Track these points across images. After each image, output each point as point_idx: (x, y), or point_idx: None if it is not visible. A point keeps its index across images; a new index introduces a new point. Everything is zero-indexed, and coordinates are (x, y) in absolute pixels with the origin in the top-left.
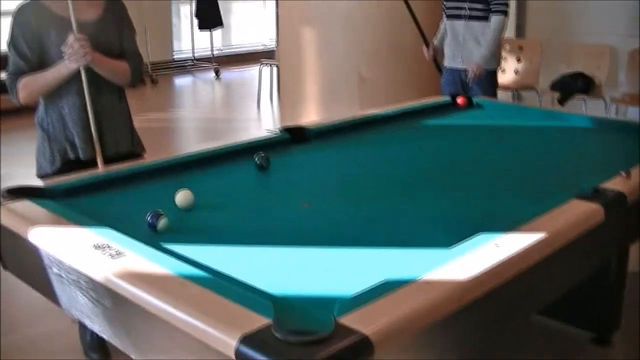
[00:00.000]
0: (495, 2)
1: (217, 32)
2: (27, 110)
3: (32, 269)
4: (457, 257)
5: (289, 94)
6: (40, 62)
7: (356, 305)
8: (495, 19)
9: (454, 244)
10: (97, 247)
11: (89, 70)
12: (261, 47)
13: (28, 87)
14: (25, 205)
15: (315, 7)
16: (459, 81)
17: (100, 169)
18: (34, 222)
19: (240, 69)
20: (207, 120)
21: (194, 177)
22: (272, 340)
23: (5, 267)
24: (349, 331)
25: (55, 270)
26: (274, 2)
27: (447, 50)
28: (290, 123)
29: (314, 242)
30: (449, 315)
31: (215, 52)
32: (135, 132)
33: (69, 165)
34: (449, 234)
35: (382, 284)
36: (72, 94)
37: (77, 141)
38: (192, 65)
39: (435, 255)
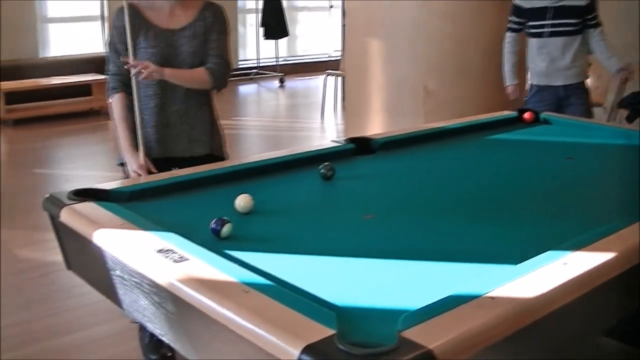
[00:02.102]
0: (590, 16)
1: (283, 41)
2: (92, 113)
3: (95, 270)
4: (524, 274)
5: (353, 104)
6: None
7: (420, 319)
8: (598, 30)
9: (521, 260)
10: (160, 251)
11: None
12: (326, 57)
13: (113, 114)
14: (90, 207)
15: (382, 20)
16: (555, 98)
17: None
18: (98, 224)
19: (305, 78)
20: (270, 128)
21: (258, 184)
22: (334, 351)
23: (69, 267)
24: (412, 345)
25: (118, 272)
26: (340, 12)
27: (537, 68)
28: (354, 134)
29: (378, 254)
30: (515, 333)
31: (280, 61)
32: (217, 135)
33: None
34: (515, 250)
35: (447, 299)
36: (149, 97)
37: (151, 141)
38: (257, 73)
39: (502, 271)
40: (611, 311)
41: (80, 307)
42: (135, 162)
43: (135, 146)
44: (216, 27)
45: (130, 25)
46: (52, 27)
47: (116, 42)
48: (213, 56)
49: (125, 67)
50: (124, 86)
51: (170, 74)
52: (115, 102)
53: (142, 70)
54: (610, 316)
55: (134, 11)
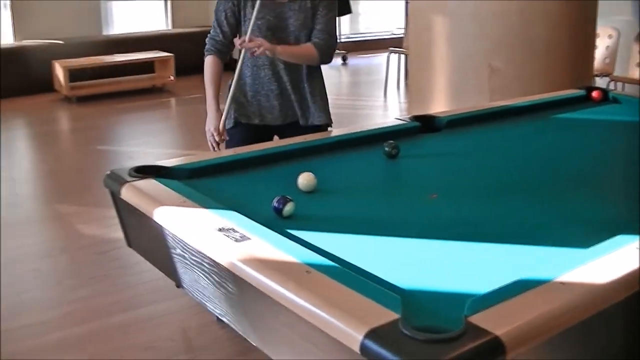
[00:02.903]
0: None
1: (345, 18)
2: (155, 90)
3: (155, 248)
4: (595, 259)
5: (416, 82)
6: (231, 33)
7: (488, 304)
8: None
9: (591, 244)
10: (221, 229)
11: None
12: (389, 35)
13: (205, 73)
14: (151, 184)
15: None
16: None
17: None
18: (159, 201)
19: (368, 56)
20: (333, 106)
21: (321, 162)
22: (399, 336)
23: (129, 245)
24: (479, 331)
25: (178, 251)
26: None
27: None
28: (418, 112)
29: (443, 235)
30: (587, 319)
31: (342, 39)
32: (322, 106)
33: (239, 126)
34: (585, 233)
35: (515, 283)
36: (260, 67)
37: (264, 108)
38: None
39: (572, 255)
40: None
41: (140, 284)
42: (213, 123)
43: (218, 108)
44: (324, 2)
45: None
46: (115, 4)
47: (220, 10)
48: (319, 31)
49: (239, 45)
50: (218, 51)
51: (281, 51)
52: (205, 64)
53: (255, 48)
54: None
55: None
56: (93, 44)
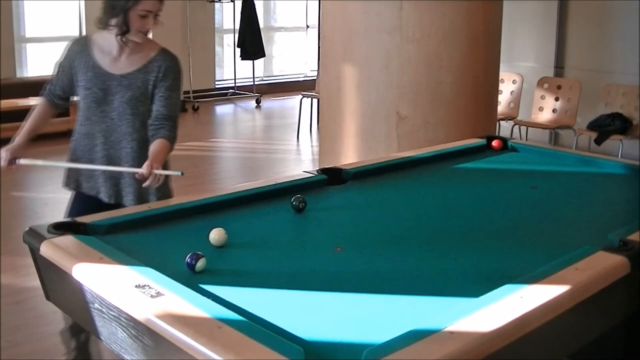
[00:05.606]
0: None
1: (259, 61)
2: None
3: (74, 302)
4: (482, 308)
5: (328, 128)
6: (63, 89)
7: (384, 353)
8: None
9: (482, 294)
10: (138, 286)
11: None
12: (302, 77)
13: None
14: (69, 241)
15: (356, 45)
16: None
17: None
18: (77, 258)
19: (281, 99)
20: (247, 150)
21: (231, 217)
22: None
23: (48, 298)
24: None
25: (97, 305)
26: (316, 33)
27: None
28: (328, 159)
29: (345, 287)
30: None
31: (256, 81)
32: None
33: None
34: (478, 283)
35: (408, 333)
36: (82, 134)
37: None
38: (234, 93)
39: (463, 305)
40: (574, 341)
41: (57, 334)
42: (10, 151)
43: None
44: (166, 83)
45: (77, 58)
46: (30, 46)
47: (57, 68)
48: (164, 118)
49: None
50: (52, 98)
51: (158, 164)
52: (39, 103)
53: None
54: (574, 346)
55: (85, 45)
56: (7, 86)
